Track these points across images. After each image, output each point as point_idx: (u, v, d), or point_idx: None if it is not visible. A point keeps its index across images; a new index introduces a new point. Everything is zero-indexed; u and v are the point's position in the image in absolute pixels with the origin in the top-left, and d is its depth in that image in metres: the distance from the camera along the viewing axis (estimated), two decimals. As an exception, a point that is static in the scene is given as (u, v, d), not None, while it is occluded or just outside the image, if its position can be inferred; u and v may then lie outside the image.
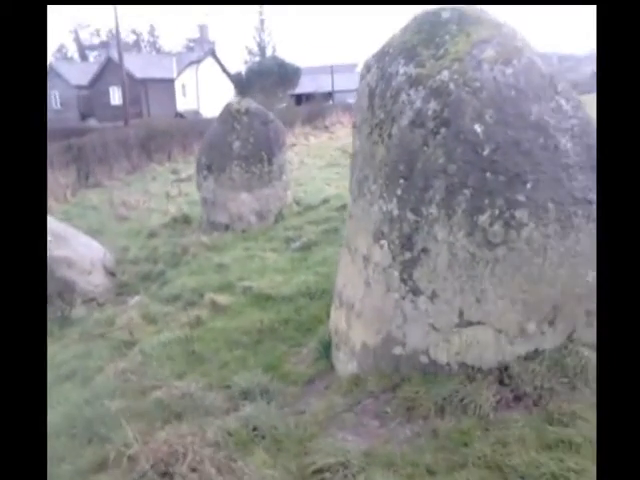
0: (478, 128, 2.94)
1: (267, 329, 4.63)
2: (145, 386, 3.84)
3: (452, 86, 2.99)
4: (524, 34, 3.27)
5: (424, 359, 3.15)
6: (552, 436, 2.63)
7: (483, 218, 2.93)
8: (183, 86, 38.77)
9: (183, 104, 37.96)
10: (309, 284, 5.37)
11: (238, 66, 49.49)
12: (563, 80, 3.18)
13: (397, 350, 3.22)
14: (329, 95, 40.13)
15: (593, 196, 2.96)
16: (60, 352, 5.10)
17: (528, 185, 2.92)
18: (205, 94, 38.95)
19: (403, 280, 3.14)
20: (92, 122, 34.36)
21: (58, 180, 13.62)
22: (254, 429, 3.04)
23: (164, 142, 19.02)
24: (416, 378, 3.12)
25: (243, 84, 38.80)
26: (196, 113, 35.93)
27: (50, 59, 41.55)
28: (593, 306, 2.97)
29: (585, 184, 2.98)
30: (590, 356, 2.95)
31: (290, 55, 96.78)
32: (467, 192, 2.94)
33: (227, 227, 8.68)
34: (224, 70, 42.07)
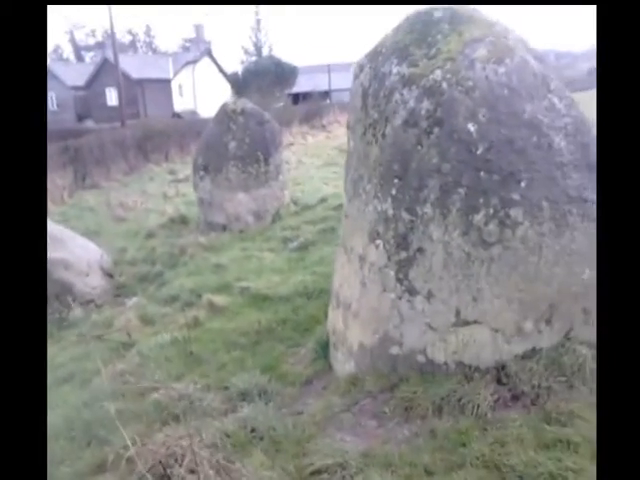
0: (471, 127, 2.94)
1: (265, 329, 4.63)
2: (143, 388, 3.83)
3: (445, 85, 2.99)
4: (520, 32, 3.28)
5: (421, 359, 3.15)
6: (550, 435, 2.63)
7: (478, 217, 2.94)
8: (180, 86, 38.70)
9: (180, 104, 37.89)
10: (306, 284, 5.38)
11: (234, 66, 49.56)
12: (557, 78, 3.18)
13: (394, 350, 3.22)
14: (326, 94, 40.01)
15: (588, 194, 2.97)
16: (58, 354, 5.11)
17: (522, 184, 2.92)
18: (202, 94, 38.90)
19: (399, 280, 3.14)
20: (89, 123, 34.26)
21: (55, 182, 13.58)
22: (252, 430, 3.04)
23: (161, 143, 18.95)
24: (414, 378, 3.12)
25: (240, 84, 38.73)
26: (193, 113, 35.86)
27: (46, 60, 41.39)
28: (590, 304, 2.97)
29: (579, 182, 2.98)
30: (587, 354, 2.95)
31: (287, 54, 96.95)
32: (462, 191, 2.94)
33: (224, 227, 8.68)
34: (221, 70, 42.01)
